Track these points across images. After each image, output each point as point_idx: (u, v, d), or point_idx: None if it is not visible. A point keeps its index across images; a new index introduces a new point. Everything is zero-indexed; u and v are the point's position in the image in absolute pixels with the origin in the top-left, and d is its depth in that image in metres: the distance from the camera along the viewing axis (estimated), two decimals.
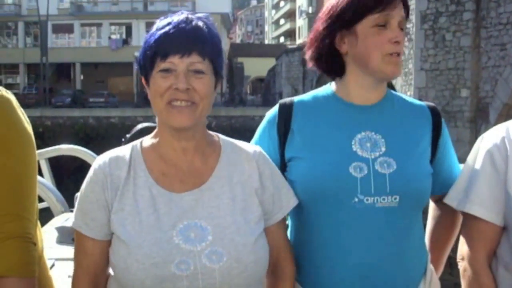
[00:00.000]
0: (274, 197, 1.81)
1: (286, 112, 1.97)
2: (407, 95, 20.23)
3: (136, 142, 1.80)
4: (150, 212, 1.67)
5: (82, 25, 50.62)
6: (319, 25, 1.93)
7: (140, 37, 47.97)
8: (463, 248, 1.96)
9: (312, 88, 34.92)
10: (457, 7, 17.79)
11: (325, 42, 1.91)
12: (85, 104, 40.01)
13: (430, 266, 2.02)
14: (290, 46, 51.00)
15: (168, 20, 1.72)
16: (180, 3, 47.69)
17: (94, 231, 1.71)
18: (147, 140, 1.80)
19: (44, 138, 29.20)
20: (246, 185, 1.76)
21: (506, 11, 16.51)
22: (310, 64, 2.00)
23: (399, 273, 1.88)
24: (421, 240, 2.01)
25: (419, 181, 1.88)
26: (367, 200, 1.83)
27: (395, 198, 1.84)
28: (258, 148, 1.85)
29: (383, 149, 1.88)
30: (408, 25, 21.38)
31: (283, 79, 39.41)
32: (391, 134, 1.91)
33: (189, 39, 1.66)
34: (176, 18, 1.72)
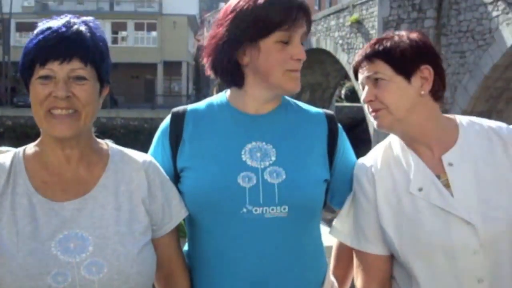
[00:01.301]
0: (164, 208, 1.79)
1: (178, 121, 1.94)
2: None
3: (19, 149, 1.74)
4: (28, 222, 1.61)
5: None
6: (220, 34, 1.85)
7: (107, 37, 47.55)
8: (356, 280, 2.00)
9: None
10: (418, 14, 18.15)
11: (226, 53, 1.85)
12: None
13: (330, 278, 2.03)
14: None
15: (49, 24, 1.64)
16: (147, 4, 47.43)
17: None
18: (30, 148, 1.74)
19: (5, 138, 28.81)
20: (133, 194, 1.73)
21: (466, 19, 16.93)
22: (208, 72, 1.95)
23: (292, 284, 1.86)
24: (317, 249, 1.98)
25: (309, 190, 1.86)
26: (255, 210, 1.80)
27: (284, 208, 1.81)
28: (149, 158, 1.83)
29: (273, 158, 1.86)
30: (372, 31, 21.74)
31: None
32: (282, 143, 1.89)
33: (69, 45, 1.60)
34: (57, 22, 1.64)
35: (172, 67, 44.37)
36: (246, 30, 1.81)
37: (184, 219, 1.91)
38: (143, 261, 1.68)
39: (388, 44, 1.90)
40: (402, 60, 1.87)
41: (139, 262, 1.66)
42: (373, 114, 1.91)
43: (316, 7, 57.10)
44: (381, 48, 1.90)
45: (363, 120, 22.25)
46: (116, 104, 38.66)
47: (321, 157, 1.94)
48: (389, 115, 1.87)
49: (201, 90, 51.55)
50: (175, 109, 1.99)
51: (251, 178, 1.82)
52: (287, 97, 2.01)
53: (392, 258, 1.94)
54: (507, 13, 15.63)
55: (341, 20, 24.79)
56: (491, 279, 1.79)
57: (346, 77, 27.95)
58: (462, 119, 1.97)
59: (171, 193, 1.83)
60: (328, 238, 2.14)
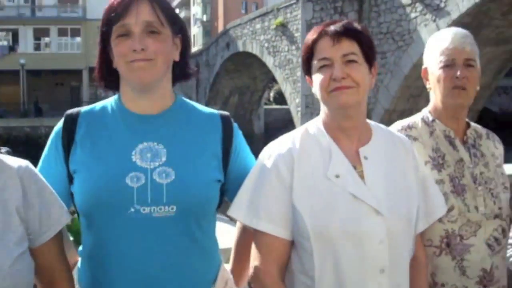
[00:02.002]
0: (42, 216, 1.76)
1: (71, 124, 1.94)
2: (296, 102, 20.73)
3: None
4: None
5: None
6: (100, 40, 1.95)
7: (27, 44, 46.29)
8: (254, 262, 1.97)
9: (205, 96, 34.95)
10: (340, 17, 18.52)
11: (102, 58, 1.94)
12: None
13: (225, 275, 2.05)
14: None
15: None
16: (70, 9, 46.43)
17: None
18: None
19: None
20: (6, 203, 1.69)
21: (386, 21, 17.44)
22: (100, 84, 2.00)
23: (181, 282, 1.87)
24: (210, 249, 1.99)
25: (198, 190, 1.87)
26: (143, 210, 1.82)
27: (172, 208, 1.83)
28: (25, 163, 1.78)
29: (164, 159, 1.87)
30: (296, 34, 22.11)
31: (176, 87, 39.18)
32: (174, 144, 1.91)
33: None
34: None
35: None
36: (102, 32, 1.91)
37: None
38: (17, 272, 1.63)
39: (362, 31, 1.97)
40: (371, 50, 1.98)
41: (13, 274, 1.62)
42: (339, 90, 1.90)
43: (243, 11, 57.45)
44: (359, 33, 1.95)
45: (290, 122, 22.59)
46: (41, 112, 37.67)
47: (214, 157, 1.96)
48: (358, 94, 1.92)
49: None
50: (69, 111, 1.99)
51: (140, 178, 1.84)
52: (182, 97, 2.04)
53: (292, 245, 1.96)
54: (425, 14, 16.22)
55: (266, 24, 25.05)
56: (391, 269, 1.88)
57: (274, 79, 28.21)
58: (371, 122, 2.10)
59: (50, 200, 1.79)
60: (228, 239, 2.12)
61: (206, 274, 1.97)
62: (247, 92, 32.38)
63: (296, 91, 20.63)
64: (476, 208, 2.24)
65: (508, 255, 2.51)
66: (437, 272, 2.23)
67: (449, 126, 2.36)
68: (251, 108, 33.57)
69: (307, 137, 2.01)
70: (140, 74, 1.85)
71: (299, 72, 19.86)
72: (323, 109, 2.02)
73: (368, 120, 2.08)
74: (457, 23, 15.31)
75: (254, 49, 26.44)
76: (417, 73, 16.65)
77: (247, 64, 29.06)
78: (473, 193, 2.26)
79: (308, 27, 19.10)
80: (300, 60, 19.24)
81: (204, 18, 72.94)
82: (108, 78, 1.98)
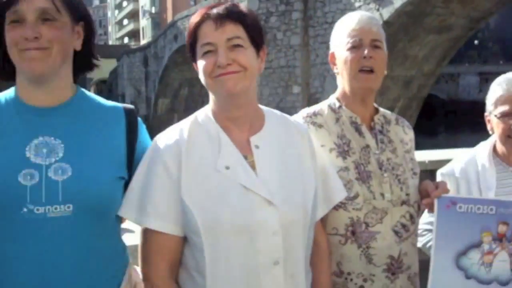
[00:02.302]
0: None
1: None
2: None
3: None
4: None
5: None
6: None
7: None
8: (143, 263, 1.89)
9: (155, 88, 34.61)
10: (286, 7, 18.60)
11: None
12: None
13: (133, 277, 1.96)
14: (133, 47, 50.33)
15: None
16: None
17: None
18: None
19: None
20: None
21: (331, 11, 17.57)
22: None
23: (80, 286, 1.77)
24: (113, 250, 1.89)
25: (99, 188, 1.76)
26: (37, 210, 1.70)
27: (69, 207, 1.72)
28: None
29: (61, 154, 1.76)
30: None
31: (125, 81, 38.73)
32: (72, 139, 1.80)
33: None
34: None
35: None
36: None
37: None
38: None
39: (247, 13, 1.88)
40: (258, 33, 1.89)
41: None
42: (225, 76, 1.81)
43: (192, 2, 57.07)
44: (244, 15, 1.86)
45: None
46: None
47: (117, 153, 1.86)
48: (245, 79, 1.83)
49: None
50: None
51: (34, 175, 1.72)
52: (83, 90, 1.94)
53: (184, 241, 1.88)
54: (368, 4, 16.39)
55: None
56: (286, 261, 1.83)
57: None
58: (265, 108, 2.02)
59: None
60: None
61: (109, 277, 1.86)
62: (197, 84, 31.90)
63: None
64: (382, 195, 2.20)
65: (425, 241, 2.50)
66: (343, 260, 2.19)
67: (356, 112, 2.31)
68: (202, 100, 33.37)
69: (196, 127, 1.92)
70: (32, 64, 1.74)
71: None
72: (211, 97, 1.94)
73: (261, 106, 2.01)
74: (399, 11, 15.53)
75: None
76: None
77: None
78: (379, 179, 2.22)
79: None
80: None
81: (153, 10, 72.34)
82: (7, 68, 1.84)
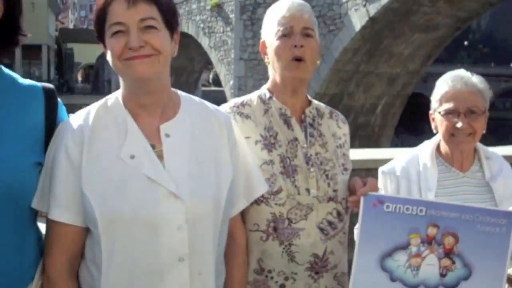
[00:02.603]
0: None
1: None
2: (230, 84, 20.63)
3: None
4: None
5: None
6: None
7: None
8: (44, 256, 1.79)
9: None
10: None
11: None
12: None
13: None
14: None
15: None
16: None
17: None
18: None
19: None
20: None
21: (318, 5, 17.27)
22: None
23: None
24: (26, 244, 1.77)
25: (9, 175, 1.64)
26: None
27: None
28: None
29: None
30: (231, 15, 21.86)
31: (112, 70, 38.59)
32: None
33: None
34: None
35: (31, 51, 42.13)
36: None
37: None
38: None
39: None
40: (172, 15, 1.80)
41: None
42: (137, 60, 1.71)
43: None
44: None
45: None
46: None
47: (33, 136, 1.76)
48: (158, 63, 1.74)
49: (63, 75, 49.59)
50: None
51: None
52: (1, 66, 1.82)
53: (86, 232, 1.79)
54: None
55: (202, 4, 24.69)
56: (192, 257, 1.74)
57: (211, 61, 28.01)
58: (183, 94, 1.93)
59: None
60: None
61: (18, 272, 1.74)
62: (184, 73, 31.93)
63: (230, 73, 20.45)
64: (308, 190, 2.11)
65: None
66: (264, 257, 2.10)
67: (287, 103, 2.22)
68: (188, 90, 33.06)
69: (103, 112, 1.82)
70: None
71: (233, 54, 19.68)
72: (121, 81, 1.84)
73: (179, 93, 1.92)
74: (386, 8, 15.42)
75: (190, 29, 26.05)
76: (347, 57, 16.75)
77: (183, 44, 28.09)
78: (305, 174, 2.13)
79: (242, 8, 18.98)
80: (234, 41, 19.19)
81: None
82: None
